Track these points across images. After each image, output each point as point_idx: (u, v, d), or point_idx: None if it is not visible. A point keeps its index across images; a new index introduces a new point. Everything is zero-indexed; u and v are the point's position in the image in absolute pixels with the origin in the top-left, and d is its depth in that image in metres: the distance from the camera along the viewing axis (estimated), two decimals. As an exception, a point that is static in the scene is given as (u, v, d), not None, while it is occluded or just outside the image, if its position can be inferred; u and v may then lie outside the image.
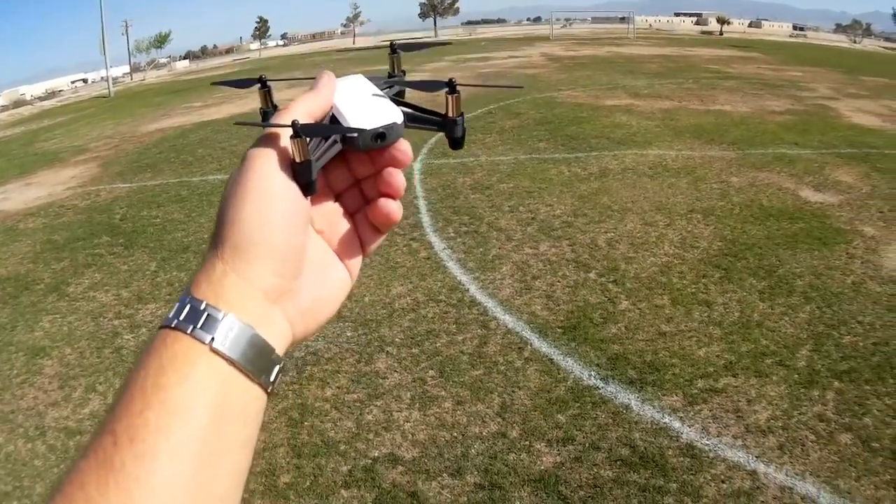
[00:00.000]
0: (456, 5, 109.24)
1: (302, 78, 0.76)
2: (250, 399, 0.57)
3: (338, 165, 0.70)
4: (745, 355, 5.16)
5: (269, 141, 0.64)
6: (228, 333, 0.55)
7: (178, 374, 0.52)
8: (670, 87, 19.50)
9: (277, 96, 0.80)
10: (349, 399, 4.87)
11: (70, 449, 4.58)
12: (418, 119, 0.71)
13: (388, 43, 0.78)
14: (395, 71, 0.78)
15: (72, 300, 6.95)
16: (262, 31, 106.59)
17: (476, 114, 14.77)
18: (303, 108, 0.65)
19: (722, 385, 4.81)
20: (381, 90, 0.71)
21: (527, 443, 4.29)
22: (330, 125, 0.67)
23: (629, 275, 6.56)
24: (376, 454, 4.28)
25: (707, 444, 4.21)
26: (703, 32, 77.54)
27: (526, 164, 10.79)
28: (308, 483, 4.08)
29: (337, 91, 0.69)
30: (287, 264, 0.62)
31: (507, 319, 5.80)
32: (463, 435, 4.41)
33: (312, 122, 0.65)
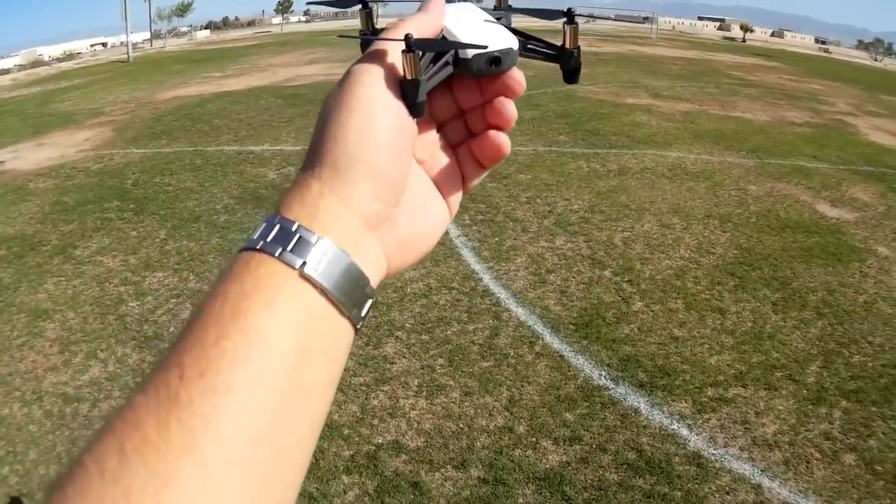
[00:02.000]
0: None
1: None
2: (339, 334, 0.52)
3: (443, 94, 0.67)
4: (755, 366, 5.11)
5: (377, 56, 0.60)
6: (322, 259, 0.50)
7: (262, 298, 0.47)
8: (691, 90, 19.36)
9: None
10: (355, 382, 4.81)
11: (66, 416, 4.52)
12: (533, 48, 0.67)
13: None
14: (501, 5, 0.73)
15: (78, 263, 6.87)
16: (285, 5, 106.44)
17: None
18: (412, 26, 0.61)
19: (731, 395, 4.76)
20: (494, 19, 0.68)
21: (533, 439, 4.25)
22: (446, 41, 0.63)
23: (644, 276, 6.50)
24: (380, 441, 4.23)
25: (714, 454, 4.17)
26: (726, 38, 77.08)
27: (545, 156, 10.70)
28: (309, 466, 4.02)
29: (447, 14, 0.66)
30: (390, 187, 0.57)
31: (520, 312, 5.74)
32: (469, 427, 4.36)
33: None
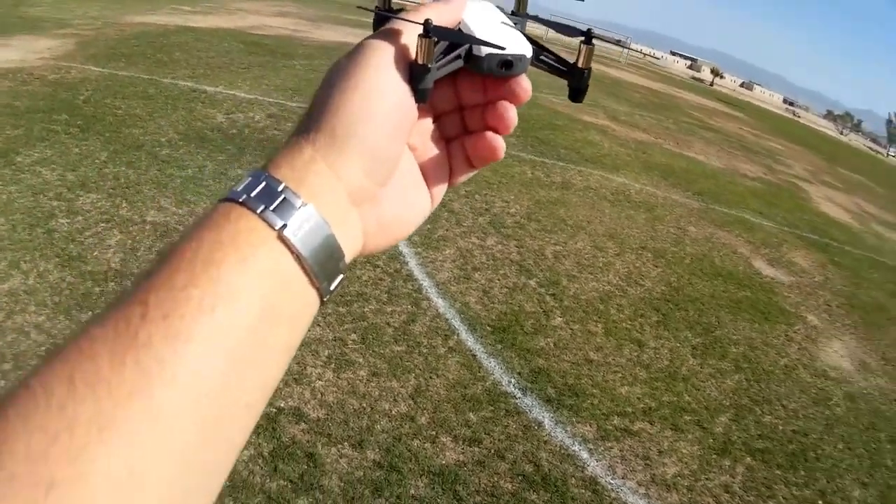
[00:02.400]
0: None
1: None
2: (305, 303, 0.53)
3: (446, 85, 0.67)
4: (665, 405, 5.22)
5: (391, 35, 0.60)
6: (303, 224, 0.51)
7: (237, 253, 0.48)
8: (650, 120, 19.69)
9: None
10: (263, 342, 4.77)
11: None
12: (545, 60, 0.68)
13: None
14: (520, 10, 0.73)
15: (17, 170, 6.68)
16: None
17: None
18: (433, 13, 0.61)
19: (637, 428, 4.85)
20: (513, 24, 0.68)
21: (433, 433, 4.27)
22: (464, 34, 0.63)
23: (569, 293, 6.58)
24: (282, 405, 4.21)
25: (611, 483, 4.25)
26: (695, 78, 78.44)
27: (491, 154, 10.67)
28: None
29: (467, 9, 0.66)
30: (382, 167, 0.59)
31: (440, 303, 5.77)
32: (372, 408, 4.36)
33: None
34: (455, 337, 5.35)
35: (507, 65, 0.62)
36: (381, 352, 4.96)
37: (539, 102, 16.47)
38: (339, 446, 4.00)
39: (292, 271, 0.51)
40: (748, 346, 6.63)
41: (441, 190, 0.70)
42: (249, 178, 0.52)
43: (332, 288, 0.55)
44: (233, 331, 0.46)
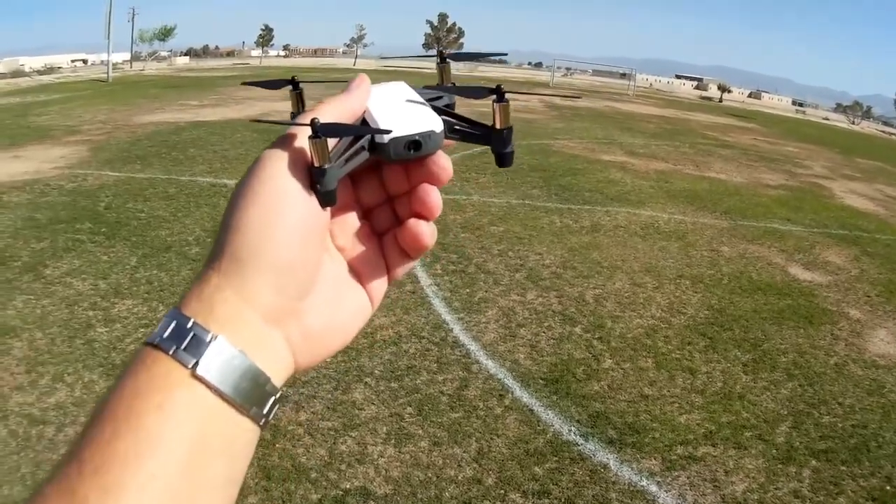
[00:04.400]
0: (460, 41, 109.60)
1: (338, 80, 0.72)
2: (238, 433, 0.52)
3: (370, 178, 0.66)
4: (725, 426, 5.21)
5: (287, 141, 0.59)
6: (215, 358, 0.50)
7: (154, 400, 0.48)
8: (666, 149, 19.70)
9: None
10: (323, 426, 4.83)
11: (32, 437, 4.46)
12: (460, 130, 0.65)
13: (437, 52, 0.72)
14: (444, 83, 0.71)
15: (48, 283, 6.82)
16: (265, 39, 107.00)
17: (471, 152, 14.81)
18: (330, 109, 0.60)
19: (701, 453, 4.84)
20: (425, 99, 0.65)
21: (502, 492, 4.28)
22: (351, 125, 0.61)
23: (615, 333, 6.60)
24: (348, 486, 4.24)
25: (683, 512, 4.25)
26: (703, 97, 78.27)
27: (518, 209, 10.84)
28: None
29: (372, 96, 0.64)
30: (294, 281, 0.56)
31: (490, 365, 5.80)
32: (438, 476, 4.38)
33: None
34: (510, 395, 5.37)
35: (415, 145, 0.60)
36: (439, 420, 4.99)
37: (555, 149, 16.60)
38: (412, 519, 4.02)
39: (215, 405, 0.50)
40: (797, 352, 6.59)
41: (380, 288, 0.67)
42: (165, 318, 0.52)
43: (264, 412, 0.54)
44: (161, 477, 0.46)
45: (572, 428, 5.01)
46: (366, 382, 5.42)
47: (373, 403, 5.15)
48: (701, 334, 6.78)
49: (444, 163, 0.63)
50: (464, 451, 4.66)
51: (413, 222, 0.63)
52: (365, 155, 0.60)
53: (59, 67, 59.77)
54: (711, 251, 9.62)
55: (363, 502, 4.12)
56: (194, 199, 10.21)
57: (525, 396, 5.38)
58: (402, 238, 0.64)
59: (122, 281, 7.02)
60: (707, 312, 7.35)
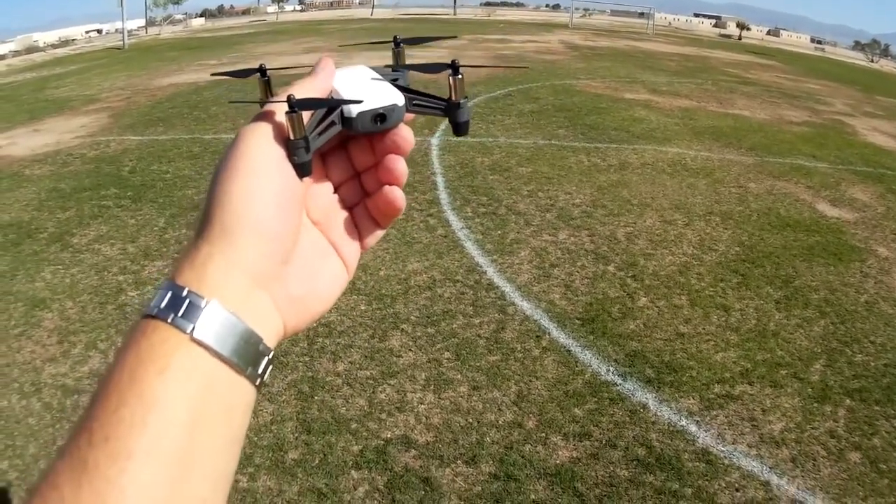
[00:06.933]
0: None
1: (303, 66, 0.73)
2: (237, 394, 0.54)
3: (338, 155, 0.70)
4: (760, 364, 5.13)
5: (264, 117, 0.62)
6: (212, 322, 0.52)
7: (155, 365, 0.49)
8: (689, 86, 19.37)
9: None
10: (362, 375, 4.78)
11: (66, 408, 4.43)
12: (421, 103, 0.69)
13: (392, 38, 0.77)
14: (398, 65, 0.76)
15: (76, 252, 6.77)
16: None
17: (495, 94, 14.68)
18: (300, 89, 0.63)
19: (738, 392, 4.77)
20: (384, 78, 0.70)
21: (543, 435, 4.24)
22: (328, 99, 0.65)
23: (648, 271, 6.51)
24: (389, 435, 4.20)
25: (722, 451, 4.18)
26: (722, 35, 77.12)
27: (545, 149, 10.68)
28: (317, 461, 3.98)
29: (336, 76, 0.68)
30: (277, 245, 0.59)
31: (525, 306, 5.73)
32: (478, 422, 4.34)
33: None
34: (547, 336, 5.30)
35: (381, 118, 0.64)
36: (478, 364, 4.94)
37: (578, 89, 16.40)
38: (453, 465, 3.98)
39: (214, 367, 0.52)
40: (828, 290, 6.47)
41: (354, 256, 0.70)
42: (160, 290, 0.54)
43: (259, 372, 0.56)
44: (166, 439, 0.47)
45: (610, 368, 4.95)
46: (402, 329, 5.36)
47: (410, 350, 5.10)
48: (733, 271, 6.67)
49: (406, 134, 0.67)
50: (503, 395, 4.61)
51: (388, 189, 0.68)
52: (337, 128, 0.64)
53: (74, 40, 59.26)
54: (739, 187, 9.44)
55: (405, 451, 4.08)
56: (219, 156, 10.04)
57: (562, 337, 5.31)
58: (376, 205, 0.69)
59: (150, 243, 6.98)
60: (738, 249, 7.22)
